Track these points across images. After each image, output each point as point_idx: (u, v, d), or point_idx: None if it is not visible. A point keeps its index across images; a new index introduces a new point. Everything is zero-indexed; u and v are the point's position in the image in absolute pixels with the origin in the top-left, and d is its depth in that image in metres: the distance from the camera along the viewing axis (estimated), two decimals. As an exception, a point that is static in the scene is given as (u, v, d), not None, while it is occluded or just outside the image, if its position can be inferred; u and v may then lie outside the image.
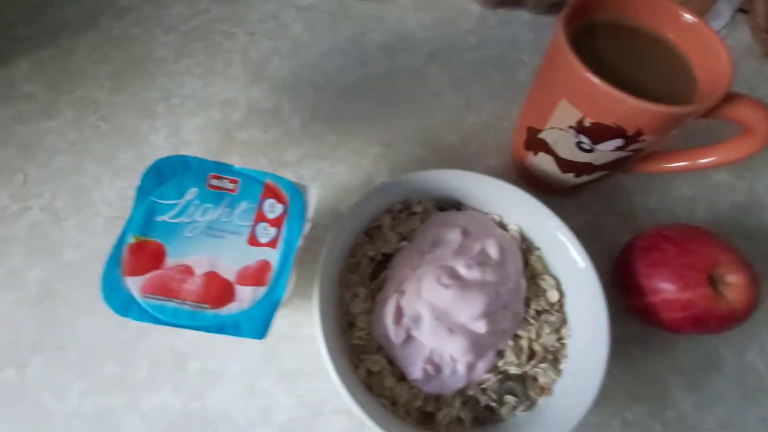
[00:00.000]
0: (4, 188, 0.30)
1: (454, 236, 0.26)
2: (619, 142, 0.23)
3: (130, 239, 0.19)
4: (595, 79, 0.20)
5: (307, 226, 0.21)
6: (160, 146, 0.31)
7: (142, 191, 0.20)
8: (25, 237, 0.28)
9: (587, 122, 0.23)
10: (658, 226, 0.26)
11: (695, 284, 0.23)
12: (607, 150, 0.24)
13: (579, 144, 0.24)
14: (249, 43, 0.37)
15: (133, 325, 0.26)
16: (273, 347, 0.26)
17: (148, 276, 0.19)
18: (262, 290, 0.19)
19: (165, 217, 0.20)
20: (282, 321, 0.26)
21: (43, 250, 0.28)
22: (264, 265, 0.20)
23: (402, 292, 0.24)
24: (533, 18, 0.41)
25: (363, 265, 0.25)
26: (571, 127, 0.24)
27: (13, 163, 0.30)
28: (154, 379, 0.24)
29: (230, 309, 0.19)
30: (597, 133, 0.23)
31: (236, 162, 0.31)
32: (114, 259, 0.19)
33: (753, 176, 0.34)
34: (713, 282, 0.23)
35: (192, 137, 0.32)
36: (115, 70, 0.35)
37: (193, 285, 0.19)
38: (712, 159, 0.25)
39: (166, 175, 0.20)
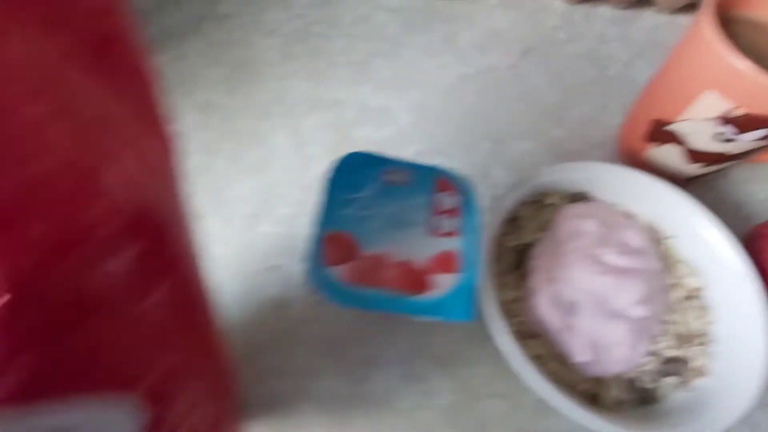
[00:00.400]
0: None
1: (591, 227, 0.26)
2: (766, 131, 0.24)
3: (325, 232, 0.20)
4: (758, 71, 0.21)
5: (485, 217, 0.21)
6: (282, 145, 0.32)
7: (330, 186, 0.21)
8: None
9: (738, 113, 0.23)
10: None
11: None
12: (749, 140, 0.25)
13: (719, 134, 0.25)
14: (348, 45, 0.38)
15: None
16: (426, 332, 0.26)
17: (347, 265, 0.20)
18: (455, 277, 0.20)
19: (351, 211, 0.21)
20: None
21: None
22: (450, 254, 0.21)
23: (553, 280, 0.25)
24: (615, 13, 0.41)
25: (506, 255, 0.26)
26: (713, 118, 0.24)
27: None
28: (315, 365, 0.25)
29: (432, 295, 0.19)
30: (746, 123, 0.24)
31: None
32: (315, 251, 0.20)
33: None
34: None
35: (311, 136, 0.33)
36: (227, 74, 0.36)
37: (390, 273, 0.20)
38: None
39: (347, 171, 0.21)
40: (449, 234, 0.21)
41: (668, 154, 0.29)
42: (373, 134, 0.33)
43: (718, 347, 0.24)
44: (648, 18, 0.42)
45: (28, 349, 0.08)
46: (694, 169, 0.29)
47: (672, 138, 0.28)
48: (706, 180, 0.33)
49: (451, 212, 0.21)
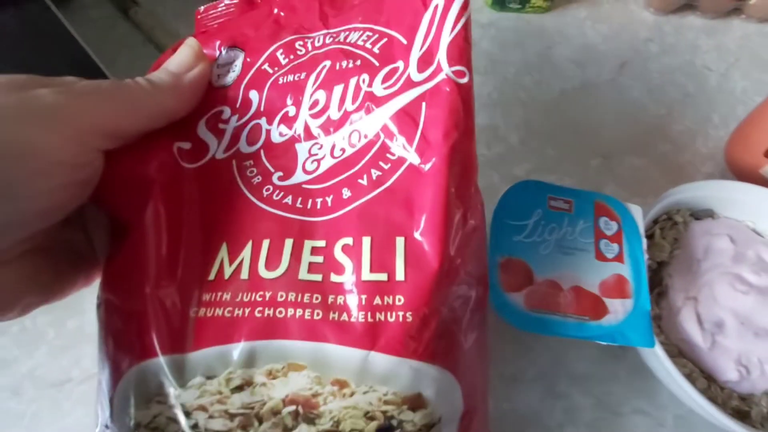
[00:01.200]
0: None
1: (723, 244, 0.27)
2: None
3: (500, 259, 0.21)
4: None
5: (645, 242, 0.22)
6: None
7: (499, 213, 0.22)
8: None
9: None
10: None
11: None
12: None
13: None
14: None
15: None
16: (560, 352, 0.27)
17: (525, 291, 0.21)
18: (629, 302, 0.21)
19: (520, 237, 0.22)
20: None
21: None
22: (620, 279, 0.21)
23: (694, 299, 0.26)
24: (706, 23, 0.42)
25: (641, 273, 0.27)
26: None
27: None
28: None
29: (609, 320, 0.20)
30: None
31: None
32: (493, 278, 0.21)
33: None
34: None
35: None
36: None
37: (565, 299, 0.21)
38: None
39: (515, 198, 0.22)
40: (615, 259, 0.22)
41: (791, 169, 0.29)
42: (485, 152, 0.34)
43: None
44: (738, 27, 0.42)
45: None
46: (817, 183, 0.29)
47: (799, 154, 0.28)
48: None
49: (613, 237, 0.22)
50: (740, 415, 0.24)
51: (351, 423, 0.13)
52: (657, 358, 0.22)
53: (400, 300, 0.14)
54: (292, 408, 0.13)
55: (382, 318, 0.13)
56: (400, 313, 0.13)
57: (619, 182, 0.33)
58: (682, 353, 0.25)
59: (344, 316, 0.14)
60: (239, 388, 0.13)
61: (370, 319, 0.13)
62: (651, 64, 0.39)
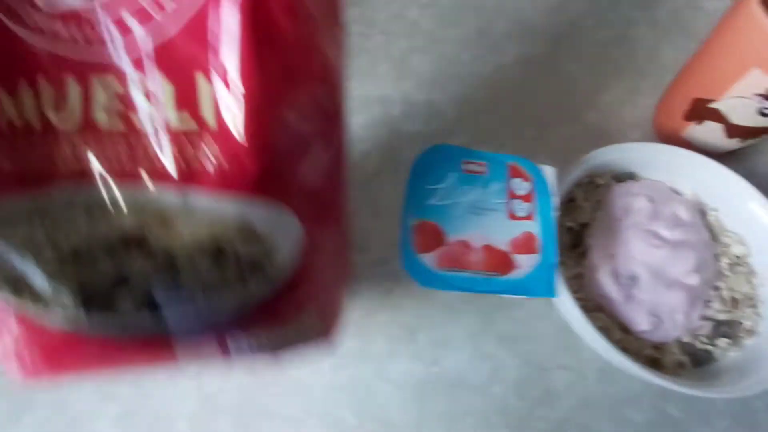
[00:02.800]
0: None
1: (642, 203, 0.28)
2: (808, 104, 0.25)
3: (413, 221, 0.22)
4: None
5: (556, 200, 0.23)
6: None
7: (413, 178, 0.23)
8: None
9: (782, 89, 0.25)
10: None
11: None
12: (790, 113, 0.26)
13: (762, 109, 0.27)
14: (386, 42, 0.39)
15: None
16: (488, 315, 0.28)
17: (437, 251, 0.21)
18: (536, 257, 0.22)
19: (434, 201, 0.22)
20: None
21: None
22: (529, 236, 0.22)
23: (612, 256, 0.27)
24: (639, -3, 0.43)
25: (565, 234, 0.28)
26: (759, 94, 0.26)
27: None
28: (393, 351, 0.27)
29: (516, 274, 0.21)
30: (789, 98, 0.25)
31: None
32: (405, 240, 0.21)
33: None
34: None
35: (364, 133, 0.34)
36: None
37: (476, 257, 0.22)
38: None
39: (429, 163, 0.23)
40: (526, 217, 0.23)
41: (708, 131, 0.31)
42: (423, 128, 0.35)
43: (766, 308, 0.26)
44: (670, 0, 0.43)
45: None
46: (732, 143, 0.30)
47: (714, 115, 0.29)
48: (739, 154, 0.34)
49: (525, 197, 0.23)
50: (654, 363, 0.25)
51: (185, 256, 0.14)
52: (573, 313, 0.24)
53: (210, 143, 0.13)
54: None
55: (197, 165, 0.13)
56: (213, 157, 0.13)
57: (551, 151, 0.34)
58: (600, 308, 0.26)
59: (157, 164, 0.13)
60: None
61: (184, 166, 0.13)
62: (585, 37, 0.40)
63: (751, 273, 0.27)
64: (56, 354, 0.16)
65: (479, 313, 0.28)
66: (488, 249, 0.22)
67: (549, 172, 0.24)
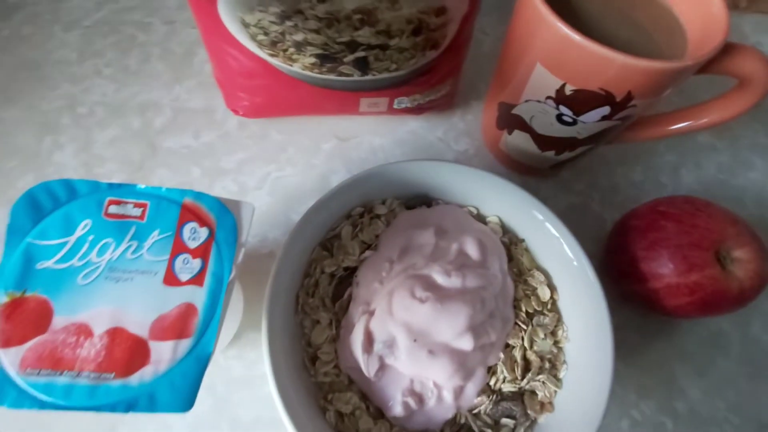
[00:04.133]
0: None
1: (426, 238, 0.22)
2: (605, 110, 0.20)
3: (2, 298, 0.15)
4: (577, 37, 0.17)
5: (241, 253, 0.16)
6: (68, 165, 0.26)
7: (14, 232, 0.15)
8: None
9: (568, 90, 0.19)
10: (654, 201, 0.23)
11: (702, 264, 0.20)
12: (591, 121, 0.21)
13: (560, 117, 0.21)
14: (169, 34, 0.31)
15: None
16: (224, 395, 0.21)
17: (28, 345, 0.14)
18: (185, 344, 0.15)
19: (48, 263, 0.15)
20: (233, 362, 0.22)
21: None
22: (187, 310, 0.15)
23: (371, 313, 0.20)
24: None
25: (323, 284, 0.21)
26: (549, 97, 0.20)
27: None
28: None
29: (143, 375, 0.14)
30: (580, 102, 0.19)
31: (163, 176, 0.26)
32: (-21, 328, 0.14)
33: (733, 134, 0.32)
34: (720, 260, 0.20)
35: (106, 152, 0.27)
36: (6, 79, 0.29)
37: (91, 349, 0.14)
38: (705, 120, 0.22)
39: (46, 208, 0.16)
40: (193, 281, 0.16)
41: (521, 142, 0.25)
42: (190, 143, 0.28)
43: (567, 372, 0.21)
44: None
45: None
46: (549, 156, 0.25)
47: (519, 124, 0.23)
48: (575, 165, 0.29)
49: (199, 251, 0.16)
50: (414, 458, 0.19)
51: (397, 24, 0.21)
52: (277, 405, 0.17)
53: None
54: (359, 16, 0.20)
55: None
56: None
57: (351, 167, 0.28)
58: (351, 384, 0.20)
59: None
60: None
61: None
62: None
63: (555, 323, 0.22)
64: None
65: (214, 391, 0.21)
66: (115, 335, 0.15)
67: (245, 210, 0.17)
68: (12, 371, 0.14)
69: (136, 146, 0.27)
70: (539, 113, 0.22)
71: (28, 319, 0.14)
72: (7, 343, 0.14)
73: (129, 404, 0.14)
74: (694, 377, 0.24)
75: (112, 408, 0.14)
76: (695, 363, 0.25)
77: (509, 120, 0.24)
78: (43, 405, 0.14)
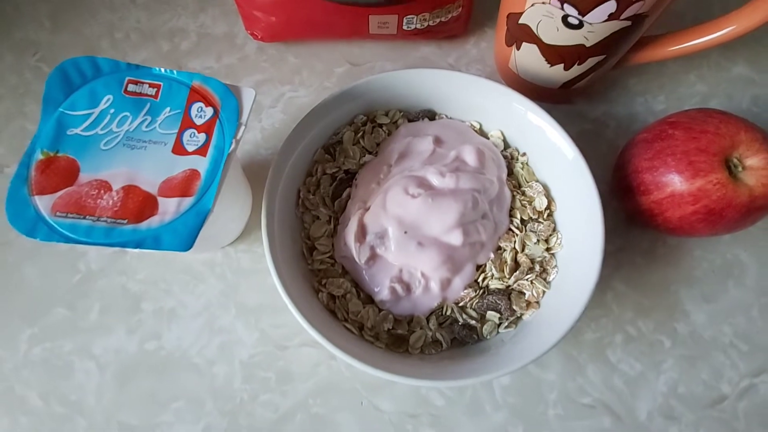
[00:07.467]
0: (-54, 140, 0.28)
1: (425, 146, 0.23)
2: (611, 6, 0.19)
3: (39, 156, 0.17)
4: None
5: (241, 130, 0.18)
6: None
7: (48, 102, 0.17)
8: (-29, 188, 0.26)
9: (570, -17, 0.19)
10: (666, 116, 0.22)
11: (707, 169, 0.19)
12: (598, 21, 0.20)
13: (565, 19, 0.20)
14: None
15: (81, 267, 0.24)
16: (232, 283, 0.23)
17: (59, 194, 0.16)
18: (188, 201, 0.17)
19: (77, 130, 0.17)
20: (242, 255, 0.24)
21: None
22: (192, 175, 0.17)
23: (366, 209, 0.21)
24: None
25: (324, 184, 0.23)
26: (551, -4, 0.20)
27: (-47, 113, 0.28)
28: (106, 323, 0.23)
29: (151, 223, 0.16)
30: (583, -3, 0.19)
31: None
32: (20, 177, 0.17)
33: (777, 67, 0.29)
34: (730, 167, 0.20)
35: (138, 70, 0.29)
36: (54, 8, 0.32)
37: (109, 200, 0.16)
38: (729, 29, 0.21)
39: (76, 82, 0.18)
40: (197, 152, 0.17)
41: (529, 57, 0.24)
42: (212, 64, 0.29)
43: (557, 275, 0.21)
44: None
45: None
46: (559, 72, 0.24)
47: (527, 34, 0.23)
48: (591, 91, 0.28)
49: (202, 127, 0.18)
50: (398, 342, 0.20)
51: None
52: (284, 295, 0.18)
53: None
54: None
55: None
56: None
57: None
58: (344, 273, 0.21)
59: None
60: None
61: None
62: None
63: (549, 231, 0.22)
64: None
65: (222, 280, 0.24)
66: (129, 191, 0.17)
67: (247, 95, 0.18)
68: (45, 213, 0.16)
69: (164, 67, 0.29)
70: (545, 16, 0.21)
71: (59, 174, 0.17)
72: (42, 191, 0.16)
73: (138, 242, 0.16)
74: (700, 302, 0.24)
75: (124, 245, 0.16)
76: (704, 288, 0.24)
77: (517, 32, 0.24)
78: (68, 239, 0.16)
